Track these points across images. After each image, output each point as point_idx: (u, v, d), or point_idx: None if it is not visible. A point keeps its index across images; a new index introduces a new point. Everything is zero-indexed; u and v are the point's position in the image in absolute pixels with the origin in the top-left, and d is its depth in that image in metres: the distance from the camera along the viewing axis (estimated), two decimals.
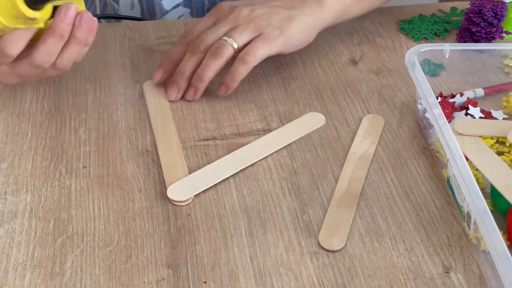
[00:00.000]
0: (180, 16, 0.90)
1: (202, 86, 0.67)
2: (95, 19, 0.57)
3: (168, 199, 0.57)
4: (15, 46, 0.54)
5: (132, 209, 0.56)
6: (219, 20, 0.69)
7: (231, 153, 0.62)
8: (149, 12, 0.88)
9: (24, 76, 0.59)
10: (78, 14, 0.55)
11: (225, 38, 0.66)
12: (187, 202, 0.56)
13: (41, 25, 0.54)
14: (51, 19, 0.55)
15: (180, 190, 0.57)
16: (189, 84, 0.68)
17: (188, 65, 0.68)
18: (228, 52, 0.65)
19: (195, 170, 0.59)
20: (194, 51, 0.67)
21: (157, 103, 0.68)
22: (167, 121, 0.66)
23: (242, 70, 0.66)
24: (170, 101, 0.69)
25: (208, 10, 0.88)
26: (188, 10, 0.89)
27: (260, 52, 0.65)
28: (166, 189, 0.57)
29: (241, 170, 0.60)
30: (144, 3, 0.87)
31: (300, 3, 0.69)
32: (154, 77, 0.70)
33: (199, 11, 0.90)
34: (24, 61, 0.57)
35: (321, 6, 0.69)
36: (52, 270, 0.51)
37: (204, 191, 0.58)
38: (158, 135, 0.64)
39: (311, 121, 0.66)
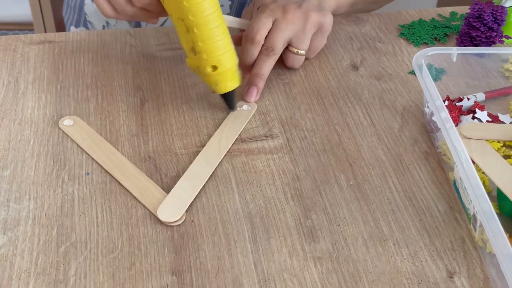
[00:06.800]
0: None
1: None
2: None
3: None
4: None
5: (135, 216, 0.56)
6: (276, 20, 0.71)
7: (195, 161, 0.61)
8: None
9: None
10: None
11: (294, 50, 0.73)
12: (181, 221, 0.56)
13: None
14: None
15: (170, 210, 0.56)
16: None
17: (267, 67, 0.71)
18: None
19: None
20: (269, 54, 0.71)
21: (87, 139, 0.64)
22: (108, 151, 0.63)
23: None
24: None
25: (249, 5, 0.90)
26: (229, 2, 0.90)
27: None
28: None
29: (240, 176, 0.60)
30: None
31: None
32: (250, 98, 0.70)
33: (239, 6, 0.91)
34: None
35: None
36: (56, 277, 0.51)
37: (206, 198, 0.58)
38: (111, 169, 0.60)
39: (245, 109, 0.69)
